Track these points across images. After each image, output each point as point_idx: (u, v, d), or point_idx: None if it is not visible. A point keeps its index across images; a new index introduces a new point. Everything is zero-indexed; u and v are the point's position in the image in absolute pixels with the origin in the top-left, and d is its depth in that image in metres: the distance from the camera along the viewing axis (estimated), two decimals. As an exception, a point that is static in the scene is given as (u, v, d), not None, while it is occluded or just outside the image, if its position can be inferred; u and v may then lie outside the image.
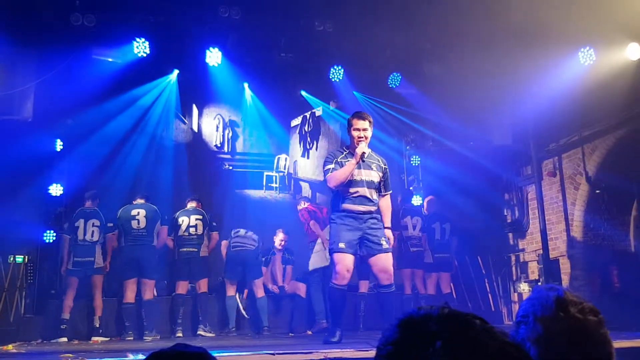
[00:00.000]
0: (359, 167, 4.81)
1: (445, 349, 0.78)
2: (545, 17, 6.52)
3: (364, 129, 4.81)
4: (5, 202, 7.38)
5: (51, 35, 7.18)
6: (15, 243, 7.45)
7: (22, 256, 7.50)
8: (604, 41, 6.86)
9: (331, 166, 4.84)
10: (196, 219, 7.25)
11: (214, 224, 7.42)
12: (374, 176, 4.90)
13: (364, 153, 4.73)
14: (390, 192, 5.18)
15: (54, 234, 7.54)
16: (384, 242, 4.84)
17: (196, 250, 7.18)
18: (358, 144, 4.77)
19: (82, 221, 6.91)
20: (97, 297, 6.82)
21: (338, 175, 4.76)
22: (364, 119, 4.87)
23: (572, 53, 7.05)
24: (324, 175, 4.96)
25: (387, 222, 5.05)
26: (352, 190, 4.82)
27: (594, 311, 1.31)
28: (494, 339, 0.81)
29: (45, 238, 7.49)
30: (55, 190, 7.85)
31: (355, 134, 4.83)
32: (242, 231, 7.40)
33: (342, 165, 4.81)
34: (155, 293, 7.17)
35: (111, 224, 7.04)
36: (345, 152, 4.97)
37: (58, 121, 8.12)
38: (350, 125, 4.92)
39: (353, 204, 4.82)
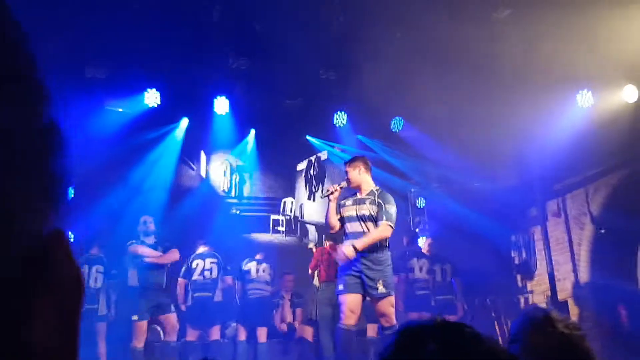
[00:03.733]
0: (355, 204, 4.95)
1: (438, 351, 0.88)
2: (544, 60, 6.70)
3: (347, 171, 5.07)
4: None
5: (65, 86, 7.43)
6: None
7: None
8: (602, 83, 7.02)
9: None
10: (211, 263, 7.25)
11: (228, 268, 7.43)
12: (366, 209, 4.91)
13: (328, 190, 5.00)
14: (386, 221, 4.82)
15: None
16: (380, 286, 4.77)
17: (210, 295, 7.12)
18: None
19: (86, 267, 6.87)
20: (101, 345, 6.74)
21: (326, 218, 5.06)
22: (346, 163, 5.19)
23: (571, 96, 7.21)
24: None
25: (358, 242, 4.76)
26: (348, 226, 4.95)
27: (578, 327, 1.44)
28: (483, 343, 0.91)
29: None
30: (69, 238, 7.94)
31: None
32: (252, 271, 7.38)
33: (342, 207, 5.01)
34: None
35: (115, 271, 7.00)
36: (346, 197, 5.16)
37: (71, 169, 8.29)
38: None
39: (349, 239, 4.91)
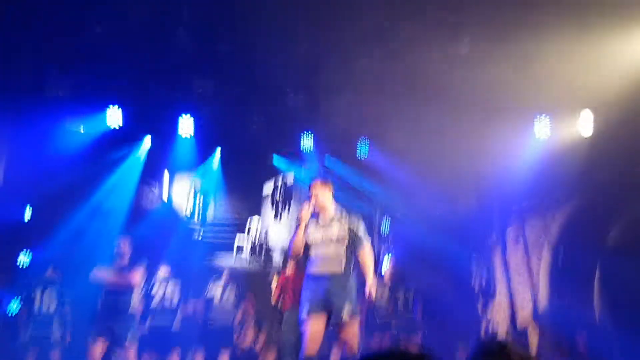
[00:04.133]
0: (321, 226, 4.80)
1: None
2: (502, 88, 6.81)
3: (314, 193, 4.89)
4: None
5: (25, 105, 7.25)
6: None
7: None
8: (560, 110, 7.17)
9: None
10: (172, 289, 7.12)
11: (190, 293, 7.32)
12: (334, 232, 4.78)
13: (300, 217, 4.81)
14: (368, 243, 4.84)
15: (18, 306, 7.30)
16: (345, 314, 4.64)
17: (169, 324, 7.04)
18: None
19: (38, 292, 6.66)
20: None
21: (291, 243, 4.85)
22: (313, 183, 5.00)
23: (529, 123, 7.36)
24: None
25: (368, 276, 4.73)
26: (312, 252, 4.80)
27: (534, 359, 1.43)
28: None
29: (8, 310, 7.26)
30: (24, 258, 7.72)
31: (310, 199, 4.90)
32: (217, 297, 7.28)
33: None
34: None
35: (68, 298, 6.79)
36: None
37: (29, 188, 8.11)
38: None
39: (314, 266, 4.76)
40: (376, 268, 8.32)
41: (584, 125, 7.06)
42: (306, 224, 4.89)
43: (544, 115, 7.30)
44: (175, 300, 7.05)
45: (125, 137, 8.21)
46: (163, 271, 7.32)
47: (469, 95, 7.19)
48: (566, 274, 7.66)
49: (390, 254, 9.42)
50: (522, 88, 6.70)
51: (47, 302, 6.67)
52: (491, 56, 6.54)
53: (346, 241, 4.79)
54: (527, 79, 6.59)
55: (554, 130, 7.19)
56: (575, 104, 7.08)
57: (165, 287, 7.08)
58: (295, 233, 4.83)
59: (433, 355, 0.97)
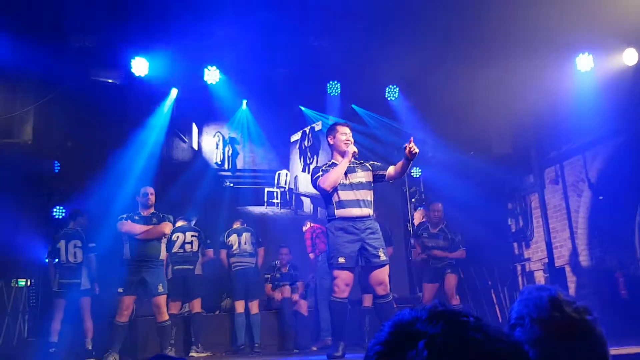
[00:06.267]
0: (345, 173, 4.79)
1: (429, 348, 0.75)
2: (542, 24, 6.52)
3: (350, 133, 4.94)
4: (8, 225, 7.39)
5: (50, 58, 7.21)
6: (18, 266, 7.43)
7: (25, 280, 7.48)
8: (601, 47, 6.87)
9: (319, 174, 4.85)
10: (192, 236, 7.15)
11: (209, 241, 7.32)
12: (362, 176, 4.84)
13: (354, 152, 4.81)
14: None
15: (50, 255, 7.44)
16: (381, 254, 4.75)
17: (192, 267, 7.03)
18: (347, 146, 4.83)
19: (63, 242, 6.75)
20: (87, 320, 6.65)
21: (330, 175, 4.73)
22: (347, 125, 5.06)
23: (570, 59, 7.05)
24: (315, 185, 4.91)
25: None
26: (342, 194, 4.77)
27: (588, 310, 1.29)
28: (488, 338, 0.78)
29: (47, 260, 7.43)
30: (58, 212, 7.84)
31: (342, 137, 4.88)
32: (235, 247, 7.27)
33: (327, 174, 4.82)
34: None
35: (93, 244, 6.87)
36: (329, 163, 4.99)
37: (57, 144, 8.16)
38: (335, 132, 4.95)
39: (345, 208, 4.76)
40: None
41: (629, 58, 6.73)
42: (322, 168, 4.93)
43: (587, 52, 6.98)
44: (195, 247, 7.05)
45: (152, 88, 8.13)
46: (180, 220, 7.30)
47: (503, 32, 6.88)
48: (606, 214, 7.45)
49: (423, 196, 9.32)
50: (563, 24, 6.39)
51: (72, 252, 6.74)
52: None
53: (372, 183, 4.85)
54: (570, 15, 6.28)
55: (597, 64, 6.86)
56: (619, 42, 6.77)
57: (184, 234, 7.05)
58: (337, 170, 4.76)
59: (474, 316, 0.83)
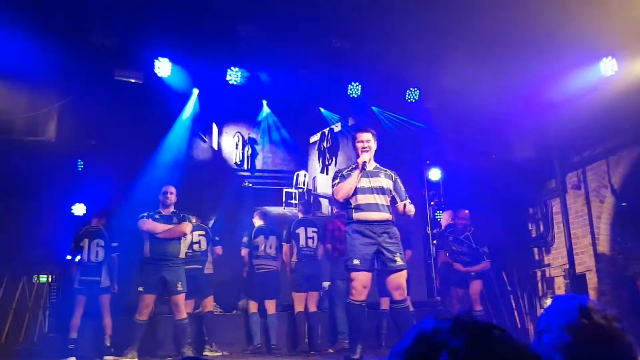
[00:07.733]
0: (367, 176, 4.86)
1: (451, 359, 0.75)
2: (566, 28, 6.44)
3: (367, 140, 4.93)
4: (30, 221, 7.51)
5: (74, 57, 7.31)
6: (39, 263, 7.53)
7: (46, 276, 7.59)
8: (626, 51, 6.76)
9: (337, 181, 4.92)
10: (199, 235, 7.18)
11: (217, 238, 7.37)
12: (383, 182, 4.90)
13: (364, 162, 4.83)
14: (408, 200, 5.01)
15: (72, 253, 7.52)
16: (398, 259, 4.77)
17: (200, 267, 7.10)
18: (362, 154, 4.88)
19: (86, 241, 6.81)
20: (106, 317, 6.71)
21: (343, 186, 4.81)
22: (366, 131, 5.03)
23: (594, 63, 6.95)
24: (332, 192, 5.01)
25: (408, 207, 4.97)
26: (361, 198, 4.82)
27: (618, 318, 1.29)
28: (510, 350, 0.77)
29: (68, 257, 7.52)
30: (79, 210, 7.93)
31: (359, 145, 4.94)
32: (261, 249, 7.29)
33: (348, 178, 4.87)
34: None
35: (115, 244, 6.93)
36: (351, 167, 5.03)
37: (81, 141, 8.26)
38: (354, 139, 5.04)
39: (363, 211, 4.80)
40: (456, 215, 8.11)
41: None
42: (343, 172, 4.99)
43: (610, 57, 6.88)
44: (204, 247, 7.10)
45: (174, 89, 8.20)
46: (209, 219, 7.37)
47: (526, 36, 6.82)
48: (629, 220, 7.33)
49: (442, 199, 9.25)
50: (588, 27, 6.30)
51: (94, 251, 6.80)
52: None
53: (392, 191, 4.94)
54: (594, 18, 6.20)
55: (621, 68, 6.76)
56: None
57: (191, 234, 7.05)
58: (350, 180, 4.82)
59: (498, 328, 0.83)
